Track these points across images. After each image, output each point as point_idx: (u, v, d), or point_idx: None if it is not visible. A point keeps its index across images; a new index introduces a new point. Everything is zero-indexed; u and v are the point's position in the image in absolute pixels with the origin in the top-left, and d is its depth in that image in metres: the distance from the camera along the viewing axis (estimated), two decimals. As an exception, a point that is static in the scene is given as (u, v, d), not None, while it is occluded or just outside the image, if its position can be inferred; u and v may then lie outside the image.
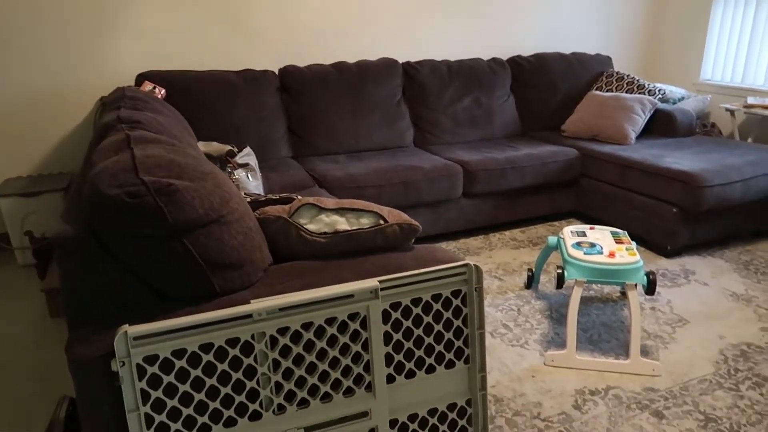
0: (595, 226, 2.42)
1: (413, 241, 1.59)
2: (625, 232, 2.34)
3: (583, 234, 2.33)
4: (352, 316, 1.33)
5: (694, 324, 2.38)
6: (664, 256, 3.04)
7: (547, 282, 2.75)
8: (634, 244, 2.28)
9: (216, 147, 2.51)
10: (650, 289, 2.09)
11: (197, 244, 1.26)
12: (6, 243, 3.20)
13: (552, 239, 2.44)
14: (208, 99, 3.08)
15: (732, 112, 3.78)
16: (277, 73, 3.36)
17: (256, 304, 1.24)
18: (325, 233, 1.48)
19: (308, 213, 1.51)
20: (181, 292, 1.31)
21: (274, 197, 1.75)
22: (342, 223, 1.50)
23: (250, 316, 1.24)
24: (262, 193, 2.60)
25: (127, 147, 1.46)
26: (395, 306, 1.37)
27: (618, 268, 2.06)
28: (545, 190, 3.43)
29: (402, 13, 3.72)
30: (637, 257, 2.10)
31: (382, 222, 1.51)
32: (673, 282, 2.75)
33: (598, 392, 1.96)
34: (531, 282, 2.68)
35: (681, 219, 2.91)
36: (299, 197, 1.73)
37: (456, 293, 1.44)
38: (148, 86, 2.92)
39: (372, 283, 1.33)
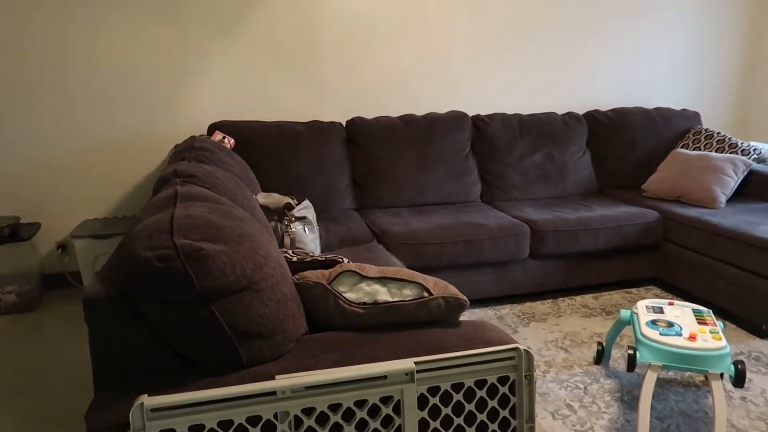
0: (675, 302, 2.18)
1: (460, 315, 1.47)
2: (710, 311, 2.09)
3: (660, 310, 2.10)
4: (385, 400, 1.22)
5: (793, 421, 2.07)
6: (759, 336, 2.71)
7: (619, 358, 2.51)
8: (720, 325, 2.03)
9: (275, 199, 2.51)
10: (739, 380, 1.83)
11: (225, 311, 1.20)
12: (79, 282, 3.33)
13: (625, 313, 2.22)
14: (274, 149, 3.12)
15: (841, 176, 3.39)
16: (344, 124, 3.37)
17: (281, 381, 1.16)
18: (364, 303, 1.39)
19: (349, 281, 1.42)
20: (207, 361, 1.25)
21: (320, 258, 1.69)
22: (383, 294, 1.40)
23: (273, 393, 1.16)
24: (318, 245, 2.56)
25: (172, 204, 1.45)
26: (433, 390, 1.25)
27: (700, 353, 1.82)
28: (621, 253, 3.18)
29: (474, 65, 3.67)
30: (723, 342, 1.86)
31: (426, 294, 1.40)
32: (768, 368, 2.43)
33: (673, 498, 1.71)
34: (601, 357, 2.45)
35: (778, 296, 2.59)
36: (345, 260, 1.65)
37: (503, 380, 1.29)
38: (218, 136, 3.00)
39: (407, 364, 1.22)
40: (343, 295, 1.41)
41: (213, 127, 3.12)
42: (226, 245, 1.26)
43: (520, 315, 2.96)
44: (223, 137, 3.00)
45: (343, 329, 1.41)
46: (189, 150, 2.55)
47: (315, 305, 1.43)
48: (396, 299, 1.40)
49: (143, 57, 3.14)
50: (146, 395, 1.12)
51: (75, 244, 2.97)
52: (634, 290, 3.29)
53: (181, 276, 1.16)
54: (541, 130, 3.59)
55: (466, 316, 2.95)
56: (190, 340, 1.22)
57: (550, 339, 2.70)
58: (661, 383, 2.32)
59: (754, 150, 3.52)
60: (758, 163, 3.67)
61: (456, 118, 3.48)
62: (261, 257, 1.31)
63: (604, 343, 2.45)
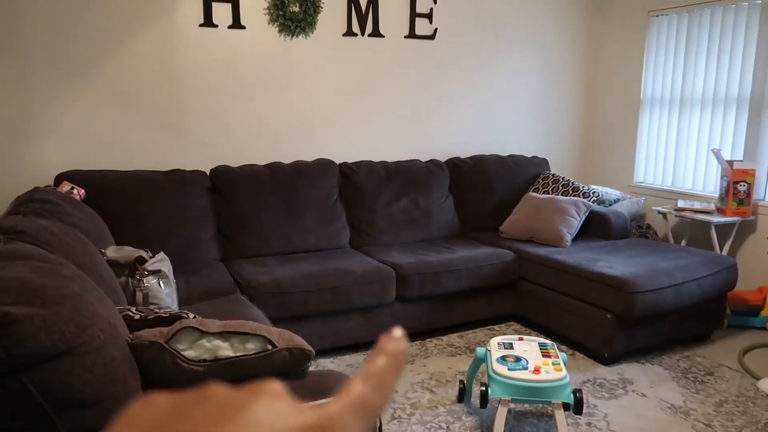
0: (525, 337, 2.32)
1: (308, 366, 1.45)
2: (554, 344, 2.24)
3: (510, 346, 2.23)
4: (222, 462, 1.16)
5: (630, 442, 2.25)
6: (602, 363, 2.94)
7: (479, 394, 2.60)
8: (563, 357, 2.19)
9: (126, 252, 2.37)
10: (577, 408, 1.97)
11: (40, 381, 1.10)
12: None
13: (480, 351, 2.33)
14: (130, 200, 2.97)
15: (664, 214, 3.85)
16: (208, 173, 3.30)
17: (102, 454, 1.07)
18: (204, 360, 1.34)
19: (188, 337, 1.37)
20: (18, 438, 1.13)
21: (163, 315, 1.61)
22: (225, 349, 1.36)
23: (93, 467, 1.07)
24: (175, 300, 2.44)
25: (-14, 265, 1.32)
26: (275, 447, 1.22)
27: (542, 385, 1.95)
28: (483, 293, 3.35)
29: (341, 115, 3.77)
30: (563, 373, 2.00)
31: (269, 347, 1.37)
32: (610, 393, 2.64)
33: None
34: (463, 395, 2.53)
35: (616, 325, 2.84)
36: (189, 316, 1.59)
37: None
38: (66, 186, 2.80)
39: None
40: (182, 353, 1.35)
41: (61, 177, 2.92)
42: (42, 308, 1.16)
43: (389, 359, 2.99)
44: (72, 188, 2.81)
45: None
46: (27, 203, 2.36)
47: (152, 366, 1.35)
48: (239, 354, 1.36)
49: (-21, 102, 2.89)
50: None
51: None
52: (496, 327, 3.46)
53: (-16, 345, 1.05)
54: (406, 177, 3.74)
55: (337, 362, 2.93)
56: (-3, 416, 1.10)
57: (417, 381, 2.75)
58: (517, 416, 2.44)
59: (594, 193, 3.90)
60: (598, 204, 4.07)
61: (323, 165, 3.53)
62: (85, 318, 1.22)
63: (465, 382, 2.54)
